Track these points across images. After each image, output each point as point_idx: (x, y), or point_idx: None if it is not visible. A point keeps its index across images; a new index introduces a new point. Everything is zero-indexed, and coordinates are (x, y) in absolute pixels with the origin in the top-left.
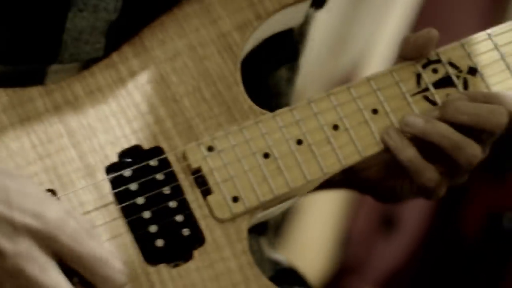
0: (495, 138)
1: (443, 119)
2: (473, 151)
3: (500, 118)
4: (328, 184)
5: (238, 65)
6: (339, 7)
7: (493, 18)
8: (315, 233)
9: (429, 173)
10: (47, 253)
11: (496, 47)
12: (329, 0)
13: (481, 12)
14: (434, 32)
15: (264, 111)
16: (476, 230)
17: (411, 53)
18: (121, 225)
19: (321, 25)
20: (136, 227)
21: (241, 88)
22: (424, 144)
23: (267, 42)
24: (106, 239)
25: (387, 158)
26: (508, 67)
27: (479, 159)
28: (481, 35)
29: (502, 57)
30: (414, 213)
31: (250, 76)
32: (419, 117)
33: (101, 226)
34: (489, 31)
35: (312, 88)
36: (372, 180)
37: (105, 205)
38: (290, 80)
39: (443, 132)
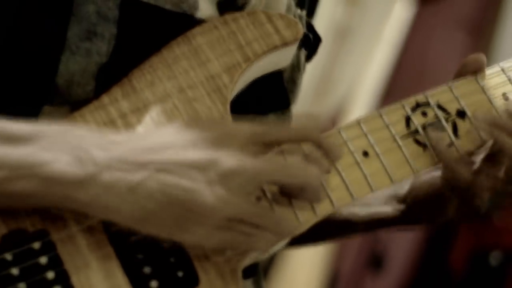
0: None
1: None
2: None
3: None
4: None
5: (228, 106)
6: (324, 48)
7: None
8: (303, 274)
9: (463, 175)
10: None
11: (483, 90)
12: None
13: (464, 54)
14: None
15: None
16: (463, 269)
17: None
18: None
19: (307, 67)
20: (129, 266)
21: None
22: None
23: (257, 86)
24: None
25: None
26: (496, 110)
27: None
28: (468, 78)
29: (490, 100)
30: (401, 252)
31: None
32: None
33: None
34: (475, 75)
35: None
36: (422, 198)
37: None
38: None
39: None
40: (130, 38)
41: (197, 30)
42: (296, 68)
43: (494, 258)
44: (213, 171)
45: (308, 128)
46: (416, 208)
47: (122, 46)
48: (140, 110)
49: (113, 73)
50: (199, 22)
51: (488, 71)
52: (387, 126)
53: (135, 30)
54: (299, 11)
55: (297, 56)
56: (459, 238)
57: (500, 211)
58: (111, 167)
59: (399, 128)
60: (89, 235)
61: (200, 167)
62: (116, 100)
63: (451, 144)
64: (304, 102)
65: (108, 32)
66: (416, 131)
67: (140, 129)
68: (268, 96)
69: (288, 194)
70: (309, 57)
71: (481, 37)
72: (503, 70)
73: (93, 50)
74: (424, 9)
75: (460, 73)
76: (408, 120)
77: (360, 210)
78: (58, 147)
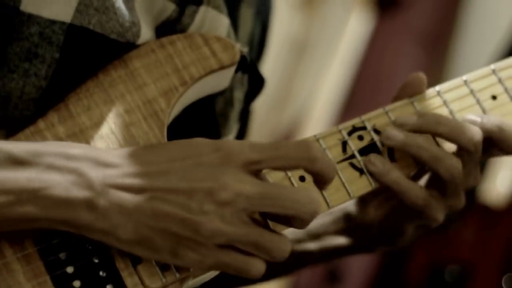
0: (474, 162)
1: (422, 130)
2: (452, 161)
3: (475, 135)
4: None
5: (165, 131)
6: (281, 62)
7: (431, 73)
8: None
9: (415, 191)
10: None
11: (417, 114)
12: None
13: (419, 67)
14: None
15: None
16: (419, 284)
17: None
18: None
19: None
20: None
21: None
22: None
23: (189, 116)
24: None
25: (381, 199)
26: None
27: (459, 171)
28: (404, 102)
29: None
30: (358, 266)
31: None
32: (399, 130)
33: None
34: (412, 98)
35: None
36: (376, 224)
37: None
38: None
39: (422, 144)
40: (72, 64)
41: (134, 53)
42: (229, 103)
43: (450, 272)
44: (209, 200)
45: (299, 155)
46: (372, 235)
47: (63, 71)
48: (76, 135)
49: (54, 98)
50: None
51: (428, 91)
52: (324, 151)
53: (77, 56)
54: (244, 48)
55: (231, 92)
56: (416, 252)
57: (456, 224)
58: (107, 192)
59: (336, 152)
60: (25, 263)
61: (195, 196)
62: (52, 125)
63: None
64: (261, 116)
65: (50, 56)
66: (353, 156)
67: None
68: (199, 127)
69: (275, 219)
70: (253, 98)
71: (436, 51)
72: (438, 92)
73: (31, 72)
74: (381, 23)
75: (399, 95)
76: (344, 144)
77: (311, 244)
78: (57, 169)
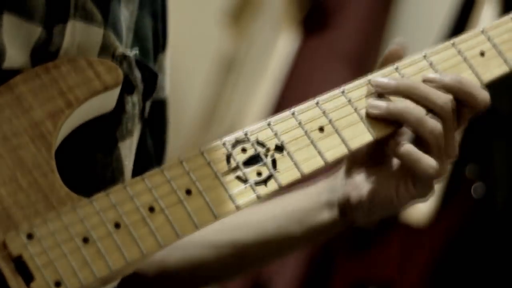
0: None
1: (399, 93)
2: (434, 122)
3: (447, 98)
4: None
5: (53, 153)
6: (209, 80)
7: None
8: None
9: (427, 159)
10: None
11: (300, 124)
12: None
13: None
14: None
15: (81, 197)
16: None
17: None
18: None
19: (193, 97)
20: None
21: (57, 175)
22: None
23: (84, 129)
24: None
25: (373, 173)
26: (312, 143)
27: (441, 132)
28: (286, 114)
29: (306, 133)
30: (283, 282)
31: (70, 161)
32: (381, 100)
33: None
34: (292, 109)
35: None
36: (365, 200)
37: None
38: (107, 166)
39: (407, 108)
40: None
41: (19, 78)
42: (119, 108)
43: None
44: None
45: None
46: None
47: None
48: None
49: None
50: (7, 72)
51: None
52: (209, 164)
53: None
54: (129, 51)
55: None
56: (338, 270)
57: (378, 242)
58: None
59: (221, 165)
60: None
61: None
62: None
63: (271, 176)
64: (190, 134)
65: None
66: (237, 168)
67: None
68: (91, 136)
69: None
70: (150, 94)
71: (363, 71)
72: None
73: None
74: (308, 42)
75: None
76: (229, 157)
77: (293, 227)
78: None
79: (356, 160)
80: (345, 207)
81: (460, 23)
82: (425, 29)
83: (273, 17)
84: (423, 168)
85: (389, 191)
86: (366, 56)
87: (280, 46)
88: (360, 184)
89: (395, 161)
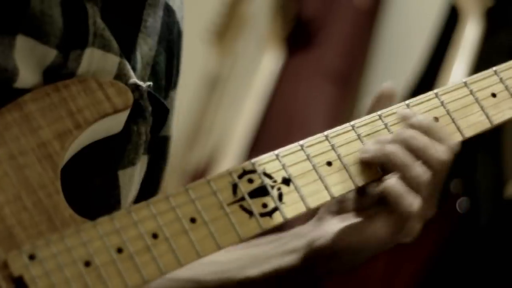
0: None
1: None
2: (421, 169)
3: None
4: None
5: (58, 174)
6: (195, 98)
7: (342, 109)
8: None
9: (411, 197)
10: None
11: (308, 158)
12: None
13: (331, 104)
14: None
15: (84, 219)
16: None
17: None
18: None
19: (178, 115)
20: None
21: (61, 196)
22: None
23: (83, 152)
24: None
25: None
26: (320, 177)
27: (428, 178)
28: (293, 146)
29: (314, 168)
30: None
31: (70, 182)
32: (373, 143)
33: None
34: (301, 142)
35: (168, 180)
36: (330, 247)
37: None
38: (103, 192)
39: (393, 150)
40: None
41: (28, 96)
42: (123, 138)
43: None
44: None
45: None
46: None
47: None
48: None
49: None
50: (19, 91)
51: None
52: (215, 193)
53: None
54: (142, 82)
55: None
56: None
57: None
58: None
59: (226, 195)
60: None
61: None
62: None
63: (276, 208)
64: (175, 152)
65: None
66: (242, 198)
67: None
68: (95, 161)
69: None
70: (159, 128)
71: (347, 89)
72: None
73: None
74: (292, 60)
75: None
76: (235, 187)
77: (252, 270)
78: None
79: (330, 208)
80: (310, 253)
81: (444, 40)
82: (409, 46)
83: (258, 35)
84: (407, 204)
85: (363, 236)
86: (350, 73)
87: (264, 64)
88: (329, 231)
89: (374, 203)
